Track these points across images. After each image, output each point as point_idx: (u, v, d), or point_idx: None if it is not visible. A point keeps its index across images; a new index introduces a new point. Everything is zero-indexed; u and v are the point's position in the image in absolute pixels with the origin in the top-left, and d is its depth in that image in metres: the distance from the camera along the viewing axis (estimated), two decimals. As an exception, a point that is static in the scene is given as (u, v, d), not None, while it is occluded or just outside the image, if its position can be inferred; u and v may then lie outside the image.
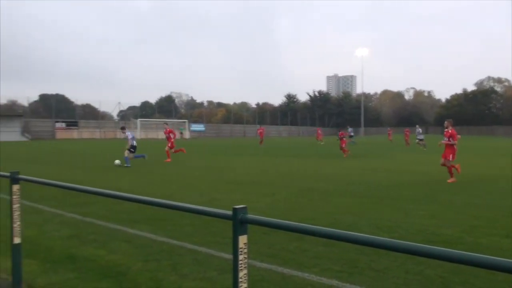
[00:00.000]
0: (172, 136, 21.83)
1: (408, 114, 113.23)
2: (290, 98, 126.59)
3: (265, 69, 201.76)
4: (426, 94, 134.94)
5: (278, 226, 2.54)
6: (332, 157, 24.10)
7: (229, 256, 5.18)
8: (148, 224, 7.03)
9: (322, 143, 43.57)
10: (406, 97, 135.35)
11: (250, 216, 2.55)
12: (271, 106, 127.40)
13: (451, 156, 13.04)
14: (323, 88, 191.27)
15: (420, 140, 34.89)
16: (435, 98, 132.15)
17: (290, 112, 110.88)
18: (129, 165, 17.88)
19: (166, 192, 10.63)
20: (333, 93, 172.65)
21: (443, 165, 13.10)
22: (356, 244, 2.23)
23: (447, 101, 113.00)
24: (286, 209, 8.48)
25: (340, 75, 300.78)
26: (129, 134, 19.63)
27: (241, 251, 2.52)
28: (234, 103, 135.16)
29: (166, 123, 24.78)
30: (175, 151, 21.96)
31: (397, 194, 10.41)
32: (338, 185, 11.98)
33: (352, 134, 50.55)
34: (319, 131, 50.67)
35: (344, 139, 26.37)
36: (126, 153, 18.56)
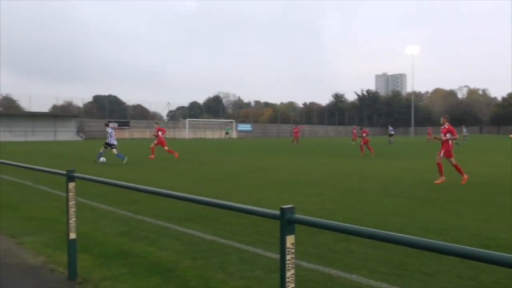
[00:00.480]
0: (160, 133, 22.65)
1: (461, 113, 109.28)
2: (338, 97, 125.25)
3: (312, 69, 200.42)
4: (480, 92, 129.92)
5: (325, 227, 2.53)
6: (376, 157, 23.63)
7: (276, 256, 5.20)
8: (196, 222, 7.16)
9: (353, 143, 42.87)
10: (459, 95, 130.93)
11: (298, 216, 2.54)
12: (318, 105, 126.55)
13: (442, 152, 12.56)
14: (372, 87, 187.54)
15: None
16: (490, 97, 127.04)
17: (338, 112, 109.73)
18: (99, 160, 19.18)
19: (214, 191, 10.77)
20: (382, 92, 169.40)
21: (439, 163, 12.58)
22: (406, 246, 2.18)
23: (504, 99, 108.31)
24: (333, 210, 8.39)
25: (389, 73, 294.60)
26: (109, 130, 20.90)
27: (289, 251, 2.52)
28: (281, 103, 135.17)
29: (156, 123, 26.85)
30: (168, 151, 22.57)
31: (448, 195, 10.08)
32: (386, 185, 11.73)
33: (392, 133, 49.55)
34: (354, 131, 50.18)
35: (366, 137, 26.16)
36: (102, 149, 19.98)
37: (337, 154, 27.04)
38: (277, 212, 2.58)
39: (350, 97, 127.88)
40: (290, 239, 2.54)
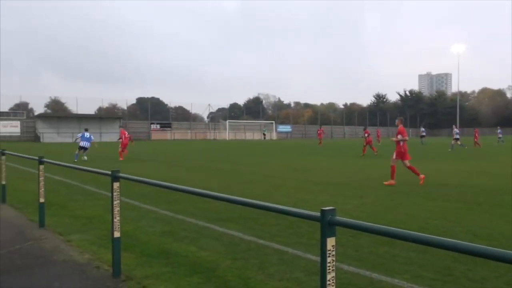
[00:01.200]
0: (123, 136, 24.35)
1: (510, 113, 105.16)
2: (379, 98, 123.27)
3: (353, 68, 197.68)
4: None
5: (367, 229, 2.49)
6: (419, 159, 23.03)
7: (316, 258, 5.16)
8: (235, 223, 7.20)
9: (378, 144, 42.17)
10: (508, 95, 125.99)
11: (339, 218, 2.51)
12: (359, 106, 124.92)
13: (395, 154, 12.71)
14: (415, 87, 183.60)
15: (456, 139, 35.79)
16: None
17: (379, 113, 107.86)
18: (75, 160, 21.41)
19: (253, 192, 10.80)
20: (426, 92, 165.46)
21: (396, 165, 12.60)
22: (451, 251, 2.11)
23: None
24: (375, 212, 8.25)
25: (433, 73, 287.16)
26: (83, 134, 23.21)
27: (329, 253, 2.50)
28: (321, 104, 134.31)
29: (120, 126, 30.35)
30: (121, 151, 23.90)
31: (497, 199, 9.70)
32: (429, 188, 11.42)
33: (423, 134, 48.93)
34: (379, 133, 51.34)
35: (369, 137, 27.35)
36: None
37: (379, 156, 26.57)
38: (318, 214, 2.55)
39: (392, 97, 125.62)
40: (330, 242, 2.51)
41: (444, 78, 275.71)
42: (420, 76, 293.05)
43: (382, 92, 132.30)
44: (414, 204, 9.14)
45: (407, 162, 12.75)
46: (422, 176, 12.34)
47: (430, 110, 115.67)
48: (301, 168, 17.94)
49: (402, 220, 7.41)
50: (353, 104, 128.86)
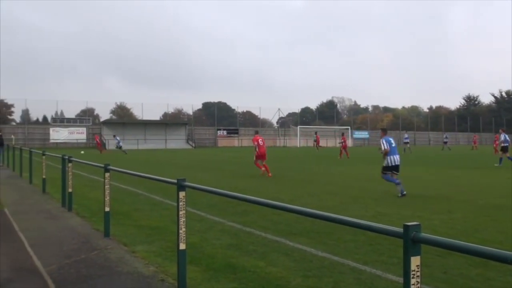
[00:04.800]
0: (97, 141, 28.96)
1: None
2: (470, 100, 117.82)
3: (438, 68, 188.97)
4: None
5: (457, 248, 2.37)
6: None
7: (397, 279, 5.01)
8: (307, 237, 7.15)
9: (473, 150, 40.58)
10: None
11: (424, 235, 2.42)
12: (446, 109, 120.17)
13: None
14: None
15: (405, 143, 44.56)
16: None
17: (470, 117, 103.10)
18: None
19: (327, 204, 10.69)
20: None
21: None
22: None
23: None
24: (465, 229, 7.87)
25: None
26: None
27: (413, 274, 2.41)
28: (403, 107, 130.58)
29: (95, 134, 34.87)
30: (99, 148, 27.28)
31: None
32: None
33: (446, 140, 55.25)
34: (475, 138, 53.99)
35: (344, 144, 34.18)
36: None
37: (469, 165, 25.37)
38: (400, 229, 2.47)
39: (486, 99, 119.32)
40: (415, 261, 2.42)
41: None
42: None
43: (473, 93, 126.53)
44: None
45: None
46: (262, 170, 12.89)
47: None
48: (381, 178, 17.50)
49: (498, 239, 7.02)
50: (439, 107, 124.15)
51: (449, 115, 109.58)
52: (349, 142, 57.15)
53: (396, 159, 12.63)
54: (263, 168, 18.63)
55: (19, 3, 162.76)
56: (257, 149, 18.78)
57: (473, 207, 10.29)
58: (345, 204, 10.71)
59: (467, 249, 2.31)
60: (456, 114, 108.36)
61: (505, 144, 24.77)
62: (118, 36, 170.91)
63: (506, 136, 25.25)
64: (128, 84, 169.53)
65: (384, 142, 12.66)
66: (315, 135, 53.14)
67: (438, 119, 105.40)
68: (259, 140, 18.95)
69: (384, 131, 13.80)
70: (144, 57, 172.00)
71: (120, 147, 43.30)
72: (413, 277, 2.41)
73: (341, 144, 34.91)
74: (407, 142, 45.21)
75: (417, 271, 2.42)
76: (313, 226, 7.78)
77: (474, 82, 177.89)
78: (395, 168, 12.63)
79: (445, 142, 55.61)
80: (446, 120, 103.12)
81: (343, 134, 36.62)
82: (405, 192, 11.95)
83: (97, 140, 45.75)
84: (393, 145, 12.79)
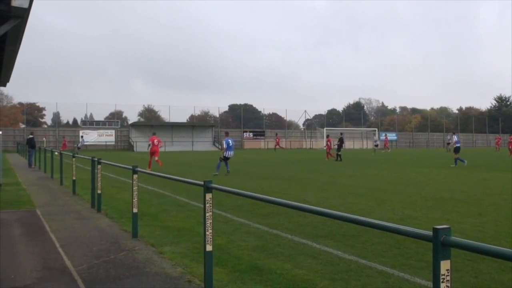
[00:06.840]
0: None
1: None
2: (502, 100, 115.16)
3: (468, 68, 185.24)
4: None
5: (488, 252, 2.31)
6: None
7: (426, 283, 4.93)
8: (333, 240, 7.11)
9: (497, 152, 39.53)
10: None
11: (455, 238, 2.37)
12: (477, 110, 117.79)
13: None
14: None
15: (375, 145, 47.99)
16: None
17: (502, 118, 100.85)
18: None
19: (354, 206, 10.60)
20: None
21: None
22: None
23: None
24: (497, 233, 7.69)
25: None
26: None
27: (443, 279, 2.36)
28: (432, 109, 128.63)
29: (63, 137, 43.72)
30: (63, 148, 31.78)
31: None
32: None
33: (449, 142, 52.83)
34: (499, 141, 53.02)
35: (330, 145, 34.31)
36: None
37: (502, 168, 24.82)
38: (430, 232, 2.43)
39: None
40: (445, 265, 2.37)
41: None
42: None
43: (505, 94, 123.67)
44: (546, 224, 8.39)
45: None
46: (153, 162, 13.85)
47: None
48: (408, 180, 17.29)
49: (531, 243, 6.83)
50: (469, 109, 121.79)
51: (479, 116, 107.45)
52: (383, 144, 56.43)
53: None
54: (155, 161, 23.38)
55: (49, 9, 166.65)
56: (151, 147, 23.82)
57: (505, 210, 10.06)
58: (371, 207, 10.60)
59: (499, 253, 2.26)
60: (487, 115, 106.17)
61: None
62: (144, 38, 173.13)
63: None
64: (155, 87, 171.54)
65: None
66: (275, 136, 56.63)
67: (468, 120, 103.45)
68: (155, 140, 23.87)
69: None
70: (170, 59, 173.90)
71: (79, 148, 49.67)
72: (442, 281, 2.36)
73: (327, 146, 35.26)
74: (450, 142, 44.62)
75: (447, 275, 2.38)
76: (340, 229, 7.73)
77: (506, 83, 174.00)
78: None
79: (448, 144, 54.20)
80: (476, 121, 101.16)
81: (328, 136, 37.26)
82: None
83: (65, 142, 47.62)
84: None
